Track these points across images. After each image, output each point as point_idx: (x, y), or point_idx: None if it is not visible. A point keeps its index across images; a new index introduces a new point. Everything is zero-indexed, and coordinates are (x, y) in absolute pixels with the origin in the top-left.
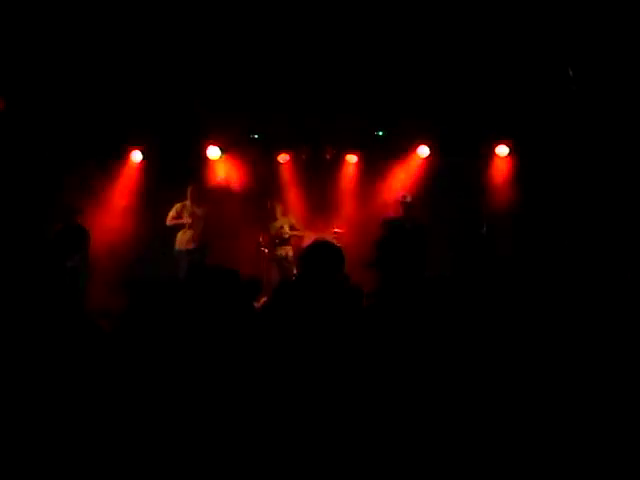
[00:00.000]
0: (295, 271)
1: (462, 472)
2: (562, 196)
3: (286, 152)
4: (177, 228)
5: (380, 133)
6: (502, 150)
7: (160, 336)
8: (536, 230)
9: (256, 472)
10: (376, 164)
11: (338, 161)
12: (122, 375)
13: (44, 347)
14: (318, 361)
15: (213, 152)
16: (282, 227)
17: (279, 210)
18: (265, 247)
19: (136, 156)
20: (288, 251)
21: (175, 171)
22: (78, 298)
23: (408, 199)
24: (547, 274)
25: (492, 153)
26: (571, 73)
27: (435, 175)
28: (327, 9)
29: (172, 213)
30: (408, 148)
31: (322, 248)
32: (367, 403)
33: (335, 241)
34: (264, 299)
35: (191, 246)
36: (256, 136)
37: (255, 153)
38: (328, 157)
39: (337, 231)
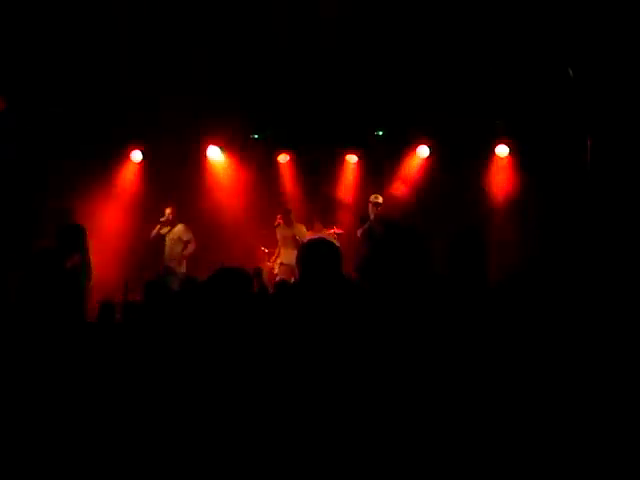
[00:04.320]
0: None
1: (462, 471)
2: (562, 196)
3: (286, 152)
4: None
5: (380, 133)
6: (502, 150)
7: (165, 334)
8: (535, 230)
9: (256, 470)
10: (376, 164)
11: (338, 161)
12: (124, 374)
13: (45, 349)
14: (322, 359)
15: (213, 152)
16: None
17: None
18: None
19: (136, 156)
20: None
21: (175, 171)
22: (78, 298)
23: (379, 199)
24: (549, 273)
25: (492, 153)
26: (571, 73)
27: (435, 175)
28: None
29: None
30: (408, 148)
31: (320, 246)
32: (369, 400)
33: (335, 241)
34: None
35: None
36: (256, 136)
37: (255, 153)
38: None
39: (337, 231)
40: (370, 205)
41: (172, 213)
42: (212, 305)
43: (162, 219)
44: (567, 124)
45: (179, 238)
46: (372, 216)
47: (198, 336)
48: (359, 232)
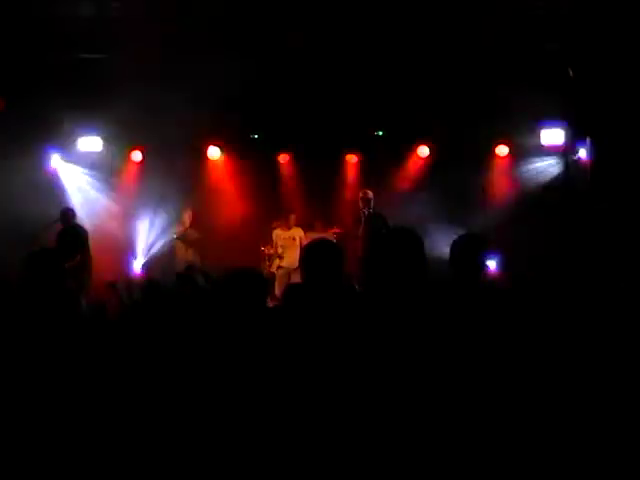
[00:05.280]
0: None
1: (461, 472)
2: (562, 196)
3: (286, 152)
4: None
5: (380, 133)
6: (502, 150)
7: (167, 334)
8: (535, 231)
9: (257, 471)
10: (376, 164)
11: (338, 161)
12: (123, 373)
13: (43, 349)
14: (328, 363)
15: (213, 152)
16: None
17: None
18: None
19: (136, 156)
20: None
21: (175, 171)
22: (78, 298)
23: (369, 195)
24: (548, 276)
25: (492, 153)
26: (571, 73)
27: (435, 175)
28: (327, 10)
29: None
30: (408, 148)
31: (322, 247)
32: (371, 403)
33: (335, 241)
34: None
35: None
36: (256, 136)
37: (255, 153)
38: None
39: (337, 231)
40: (359, 201)
41: (190, 217)
42: (227, 307)
43: (187, 222)
44: (567, 124)
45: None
46: (362, 212)
47: (210, 338)
48: (360, 231)
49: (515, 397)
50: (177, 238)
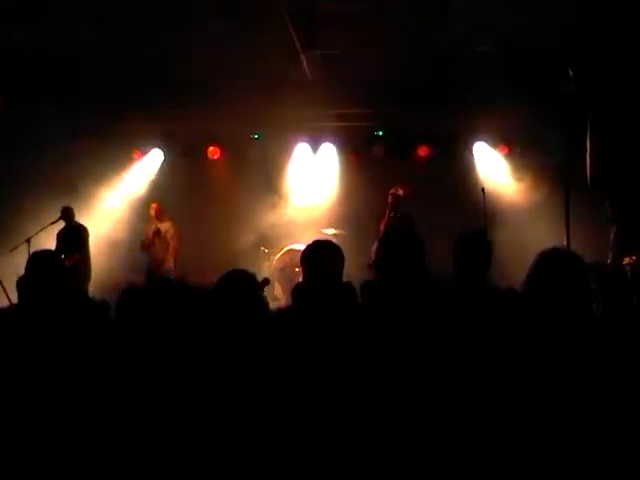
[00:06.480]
0: None
1: (460, 473)
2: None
3: (286, 152)
4: None
5: (380, 133)
6: (501, 150)
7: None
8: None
9: (257, 471)
10: (376, 164)
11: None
12: (122, 373)
13: (44, 349)
14: (329, 363)
15: (216, 152)
16: None
17: None
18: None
19: (137, 156)
20: None
21: (176, 171)
22: (78, 296)
23: (399, 192)
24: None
25: (491, 153)
26: (571, 73)
27: (435, 175)
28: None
29: None
30: (408, 148)
31: (323, 247)
32: (370, 404)
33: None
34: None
35: None
36: (256, 136)
37: (255, 153)
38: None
39: (337, 231)
40: (390, 197)
41: (157, 208)
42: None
43: (152, 214)
44: (567, 124)
45: (164, 236)
46: (390, 208)
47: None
48: (382, 226)
49: (517, 398)
50: (152, 235)
